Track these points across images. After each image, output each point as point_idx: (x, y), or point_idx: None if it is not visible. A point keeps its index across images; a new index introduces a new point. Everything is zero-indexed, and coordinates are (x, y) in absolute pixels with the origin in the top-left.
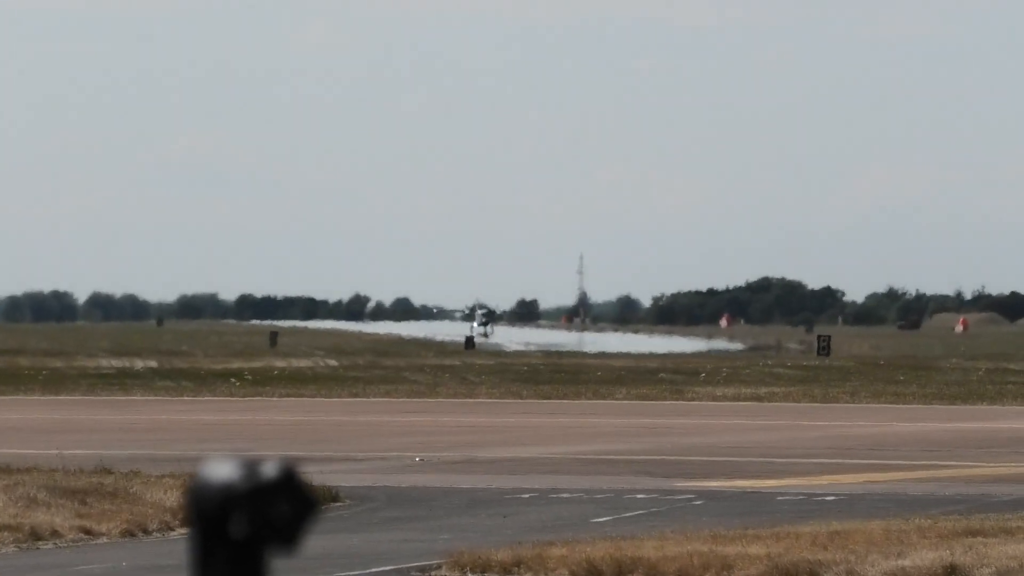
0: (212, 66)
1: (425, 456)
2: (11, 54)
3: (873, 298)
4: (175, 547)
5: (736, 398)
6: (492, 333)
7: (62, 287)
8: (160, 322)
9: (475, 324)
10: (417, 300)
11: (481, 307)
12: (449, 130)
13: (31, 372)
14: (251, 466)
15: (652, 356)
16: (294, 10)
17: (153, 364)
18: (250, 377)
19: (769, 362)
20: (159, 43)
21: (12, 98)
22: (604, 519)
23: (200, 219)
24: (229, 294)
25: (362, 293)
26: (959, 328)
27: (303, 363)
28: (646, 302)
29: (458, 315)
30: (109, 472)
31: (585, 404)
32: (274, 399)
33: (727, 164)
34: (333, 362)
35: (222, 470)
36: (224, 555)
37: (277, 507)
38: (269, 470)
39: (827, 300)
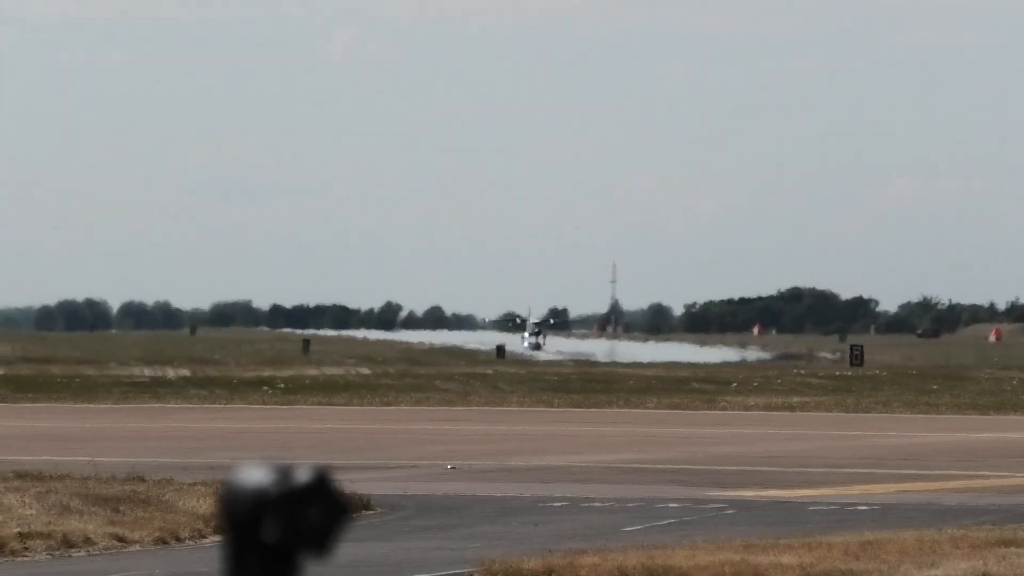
0: (244, 76)
1: (457, 464)
2: (43, 66)
3: (906, 308)
4: (208, 554)
5: (768, 407)
6: (544, 344)
7: (95, 296)
8: (193, 330)
9: (526, 334)
10: (449, 309)
11: (526, 317)
12: (480, 138)
13: (64, 381)
14: (283, 471)
15: (684, 365)
16: (322, 20)
17: (186, 372)
18: (282, 385)
19: (801, 372)
20: (193, 54)
21: (44, 108)
22: (635, 528)
23: (233, 228)
24: (262, 302)
25: (394, 302)
26: (992, 338)
27: (335, 371)
28: (678, 311)
29: (489, 322)
30: (142, 480)
31: (616, 413)
32: (306, 407)
33: (759, 172)
34: (365, 371)
35: (254, 475)
36: (256, 560)
37: (309, 512)
38: (301, 475)
39: (859, 310)
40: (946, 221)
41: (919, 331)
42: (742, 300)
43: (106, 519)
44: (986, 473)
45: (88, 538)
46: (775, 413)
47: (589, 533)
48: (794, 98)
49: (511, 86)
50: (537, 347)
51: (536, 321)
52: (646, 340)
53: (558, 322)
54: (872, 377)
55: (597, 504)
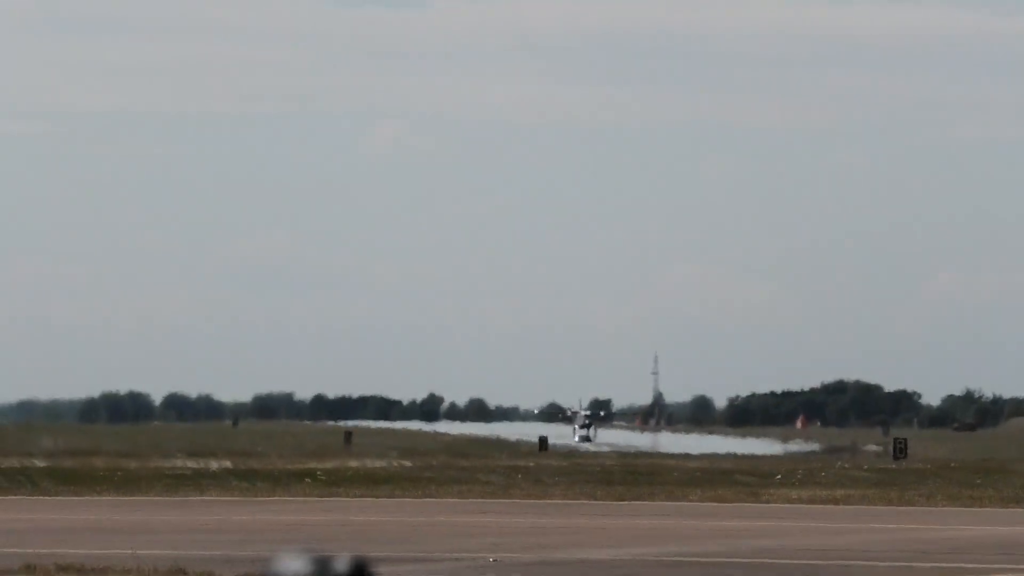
0: (284, 167)
1: (499, 557)
2: (83, 159)
3: (949, 400)
4: None
5: (812, 500)
6: (596, 436)
7: (138, 388)
8: (235, 422)
9: (577, 426)
10: (491, 400)
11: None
12: (522, 230)
13: (106, 473)
14: (322, 561)
15: (727, 457)
16: (364, 113)
17: (228, 464)
18: (324, 477)
19: (845, 464)
20: (230, 144)
21: (86, 202)
22: None
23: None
24: (304, 394)
25: (436, 393)
26: None
27: (377, 463)
28: (721, 403)
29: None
30: (184, 573)
31: (659, 505)
32: (348, 499)
33: (802, 264)
34: (407, 463)
35: (294, 566)
36: None
37: None
38: (340, 565)
39: (903, 402)
40: (990, 314)
41: (955, 424)
42: (785, 393)
43: None
44: None
45: None
46: (819, 506)
47: None
48: (837, 189)
49: (552, 177)
50: (588, 439)
51: (587, 413)
52: (689, 432)
53: (606, 415)
54: (916, 470)
55: None
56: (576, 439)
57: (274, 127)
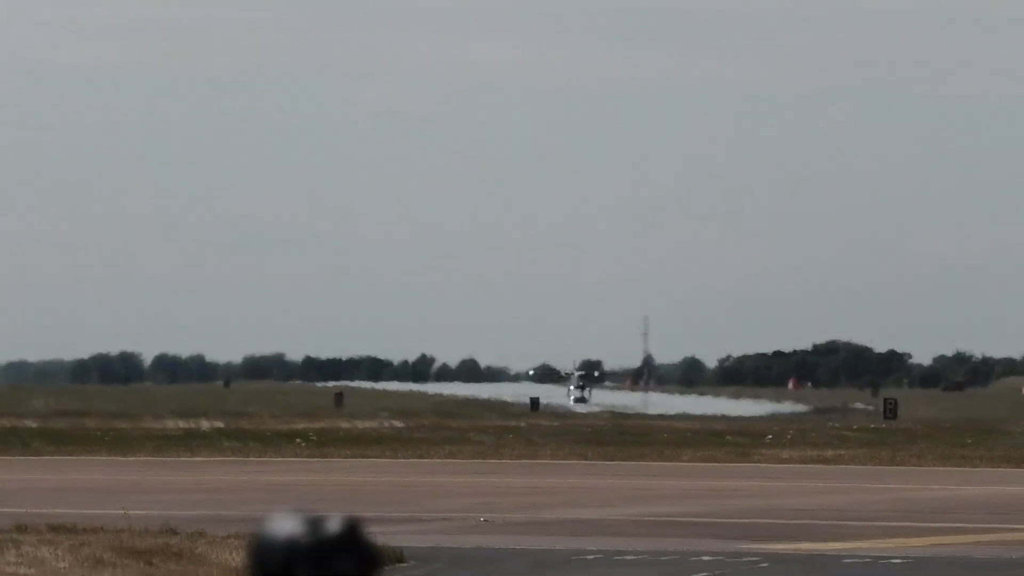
0: (275, 126)
1: (490, 517)
2: (76, 118)
3: (940, 361)
4: None
5: (802, 460)
6: (590, 397)
7: (129, 349)
8: (227, 383)
9: (571, 387)
10: (482, 361)
11: (565, 370)
12: (513, 191)
13: (98, 434)
14: (314, 522)
15: (718, 418)
16: (357, 68)
17: (219, 425)
18: (315, 438)
19: (836, 425)
20: (225, 103)
21: (79, 162)
22: None
23: (265, 280)
24: (295, 355)
25: (427, 354)
26: None
27: (368, 424)
28: (711, 364)
29: (531, 374)
30: (175, 533)
31: (650, 466)
32: (339, 460)
33: (793, 226)
34: (398, 423)
35: (286, 526)
36: None
37: (340, 562)
38: (332, 525)
39: (893, 363)
40: (980, 274)
41: (943, 384)
42: (776, 354)
43: (139, 572)
44: (1019, 526)
45: None
46: (809, 466)
47: None
48: (827, 151)
49: (543, 139)
50: (583, 400)
51: (582, 374)
52: (679, 393)
53: (601, 375)
54: (906, 430)
55: (630, 557)
56: (571, 400)
57: (264, 86)
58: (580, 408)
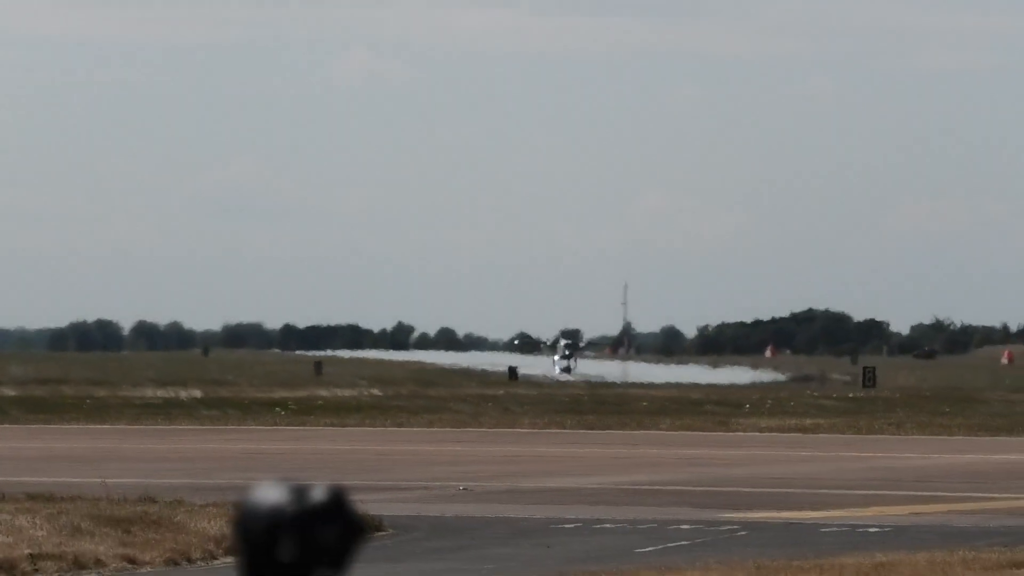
0: (255, 95)
1: (468, 485)
2: (54, 86)
3: (918, 329)
4: None
5: (781, 429)
6: (576, 366)
7: (107, 317)
8: (206, 351)
9: (557, 357)
10: (460, 330)
11: (544, 339)
12: (491, 159)
13: (76, 401)
14: (299, 490)
15: (696, 387)
16: (334, 38)
17: (198, 393)
18: (294, 407)
19: (814, 393)
20: (201, 73)
21: (56, 130)
22: (648, 549)
23: (245, 248)
24: (274, 323)
25: (406, 322)
26: (1004, 360)
27: (347, 393)
28: (690, 333)
29: (517, 344)
30: (153, 501)
31: (629, 435)
32: (318, 428)
33: (772, 194)
34: (377, 392)
35: (270, 494)
36: None
37: (325, 530)
38: (317, 494)
39: (872, 331)
40: (959, 242)
41: (915, 352)
42: (755, 322)
43: (117, 540)
44: (998, 495)
45: (99, 559)
46: (788, 435)
47: (601, 555)
48: (806, 119)
49: (521, 107)
50: (568, 370)
51: (568, 343)
52: (658, 362)
53: (584, 345)
54: (885, 399)
55: (609, 526)
56: (557, 370)
57: (243, 56)
58: (562, 377)
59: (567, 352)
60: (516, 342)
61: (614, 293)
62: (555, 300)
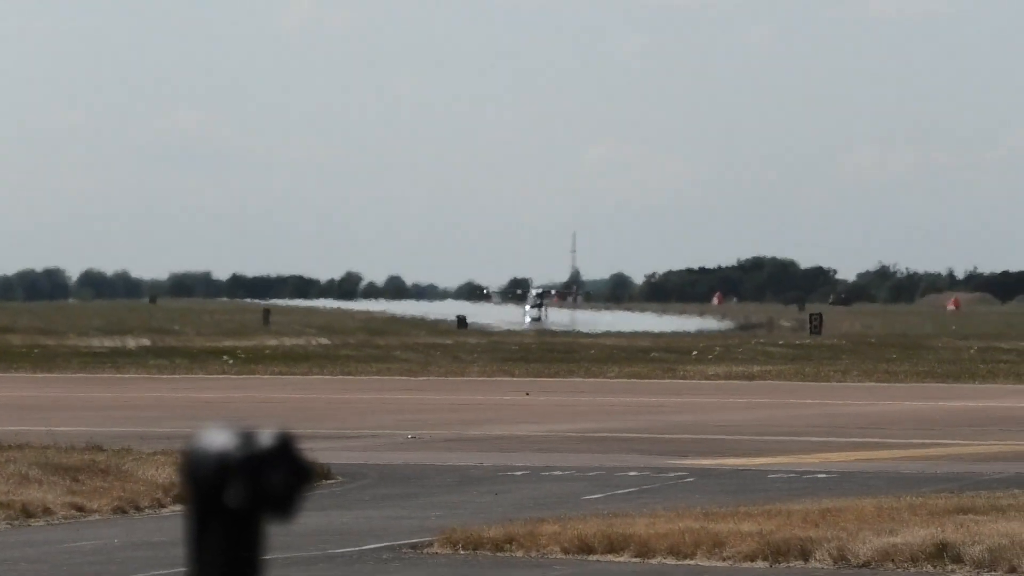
0: (203, 46)
1: (417, 434)
2: (4, 30)
3: (864, 277)
4: (167, 524)
5: (728, 376)
6: (547, 316)
7: (54, 265)
8: (153, 300)
9: (528, 307)
10: (409, 279)
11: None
12: (440, 109)
13: (23, 350)
14: (247, 436)
15: (644, 335)
16: None
17: (146, 342)
18: (243, 355)
19: (761, 340)
20: (150, 23)
21: (4, 76)
22: (596, 496)
23: (193, 198)
24: (222, 273)
25: (354, 272)
26: (950, 307)
27: (295, 341)
28: (638, 280)
29: (484, 292)
30: (101, 449)
31: (577, 383)
32: (266, 377)
33: (719, 143)
34: (325, 340)
35: (218, 440)
36: (220, 524)
37: (273, 475)
38: (265, 439)
39: (819, 279)
40: (905, 191)
41: (831, 299)
42: (702, 269)
43: (65, 489)
44: (944, 441)
45: (47, 508)
46: (735, 382)
47: (549, 502)
48: (753, 69)
49: (470, 57)
50: (538, 319)
51: (539, 292)
52: (606, 309)
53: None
54: (831, 346)
55: (557, 473)
56: (527, 320)
57: (186, 4)
58: (503, 325)
59: (539, 302)
60: (484, 292)
61: (563, 242)
62: (504, 249)
